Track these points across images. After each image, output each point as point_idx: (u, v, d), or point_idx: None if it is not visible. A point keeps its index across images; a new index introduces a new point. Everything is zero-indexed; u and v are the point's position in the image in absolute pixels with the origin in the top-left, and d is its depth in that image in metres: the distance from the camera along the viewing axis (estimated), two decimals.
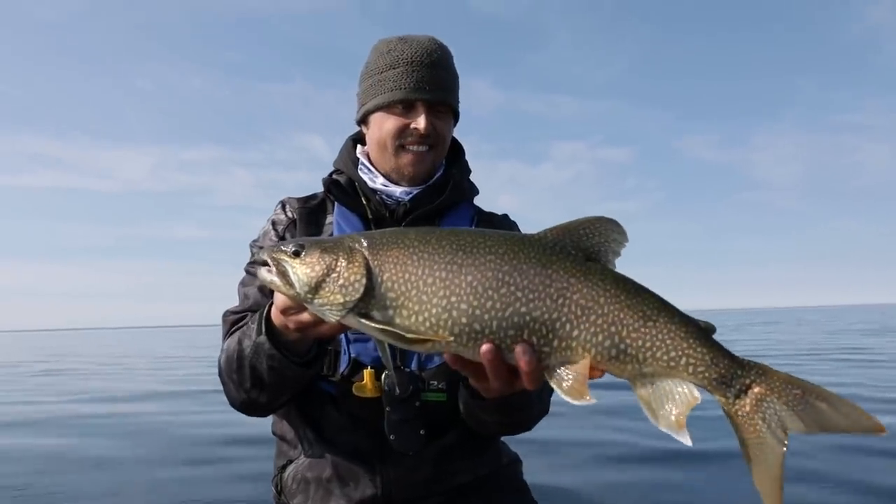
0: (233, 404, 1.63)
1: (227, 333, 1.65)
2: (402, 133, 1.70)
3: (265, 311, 1.41)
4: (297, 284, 1.12)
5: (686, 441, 1.01)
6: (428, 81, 1.69)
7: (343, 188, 1.78)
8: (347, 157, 1.83)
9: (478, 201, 1.92)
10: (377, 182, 1.75)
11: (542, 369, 1.07)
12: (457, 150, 1.91)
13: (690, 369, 1.04)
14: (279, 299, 1.26)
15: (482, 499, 1.73)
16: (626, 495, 4.15)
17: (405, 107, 1.70)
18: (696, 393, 1.04)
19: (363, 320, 1.08)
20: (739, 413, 1.03)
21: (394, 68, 1.70)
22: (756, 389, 1.02)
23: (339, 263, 1.11)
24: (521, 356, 1.05)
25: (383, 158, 1.74)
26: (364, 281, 1.09)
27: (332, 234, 1.73)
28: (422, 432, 1.60)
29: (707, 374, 1.04)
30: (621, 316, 1.05)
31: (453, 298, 1.06)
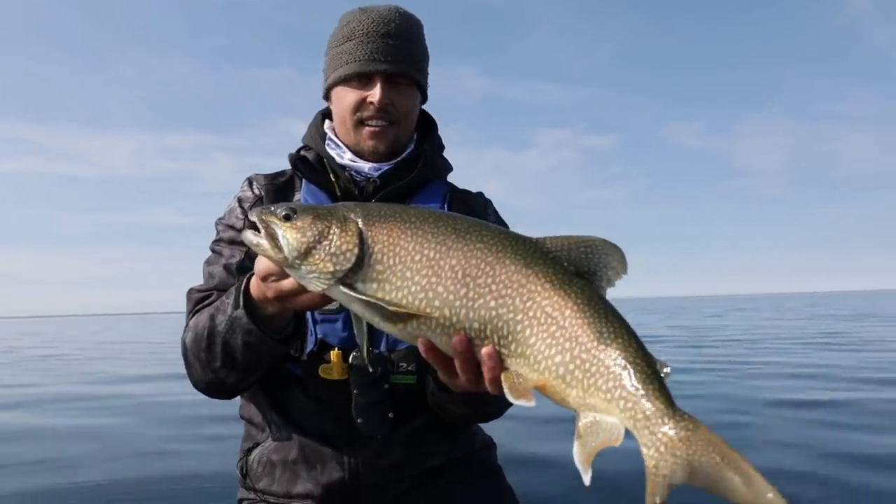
0: (196, 385, 1.57)
1: (193, 311, 1.60)
2: (359, 107, 1.64)
3: (243, 285, 1.36)
4: (285, 248, 1.09)
5: (586, 480, 0.92)
6: (384, 52, 1.63)
7: (311, 164, 1.72)
8: (316, 133, 1.78)
9: (453, 179, 1.87)
10: (345, 158, 1.70)
11: (503, 371, 1.02)
12: (429, 125, 1.86)
13: (621, 404, 0.93)
14: (262, 265, 1.20)
15: (454, 482, 1.69)
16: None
17: (361, 80, 1.64)
18: (621, 434, 0.94)
19: (348, 291, 1.06)
20: (656, 470, 0.90)
21: (350, 40, 1.66)
22: (680, 447, 0.89)
23: (332, 231, 1.08)
24: (485, 360, 1.01)
25: (346, 134, 1.70)
26: (356, 251, 1.06)
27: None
28: (390, 416, 1.56)
29: (633, 412, 0.92)
30: (578, 333, 0.98)
31: (433, 279, 1.04)
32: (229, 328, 1.39)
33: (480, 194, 1.88)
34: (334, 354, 1.55)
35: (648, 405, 0.92)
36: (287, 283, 1.18)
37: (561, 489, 3.76)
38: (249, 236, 1.13)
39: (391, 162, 1.70)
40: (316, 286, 1.09)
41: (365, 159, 1.68)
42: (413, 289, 1.04)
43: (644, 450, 0.91)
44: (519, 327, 1.01)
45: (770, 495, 0.83)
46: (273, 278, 1.19)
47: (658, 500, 0.89)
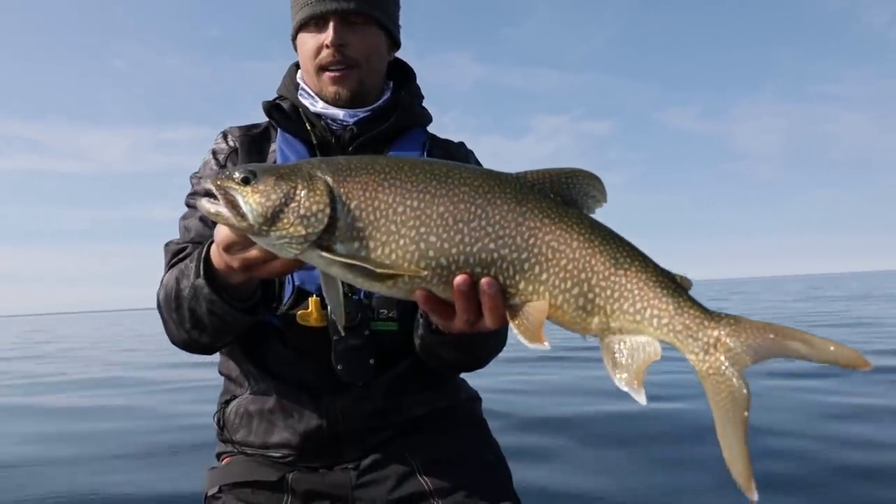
0: (173, 342, 1.53)
1: (168, 265, 1.55)
2: (317, 52, 1.60)
3: (203, 251, 1.29)
4: (249, 215, 1.00)
5: (641, 400, 0.94)
6: None
7: (285, 113, 1.67)
8: (290, 83, 1.73)
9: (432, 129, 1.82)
10: (318, 106, 1.65)
11: (506, 308, 1.01)
12: (407, 74, 1.81)
13: (655, 322, 0.96)
14: (222, 235, 1.12)
15: (437, 432, 1.65)
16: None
17: (318, 23, 1.59)
18: (658, 349, 0.96)
19: (325, 254, 0.99)
20: (712, 371, 0.93)
21: None
22: (729, 340, 0.92)
23: (298, 191, 1.00)
24: (485, 290, 0.99)
25: (311, 82, 1.65)
26: (328, 210, 0.99)
27: (275, 162, 1.63)
28: (371, 362, 1.52)
29: (672, 326, 0.95)
30: (592, 262, 0.98)
31: (423, 229, 0.99)
32: (193, 296, 1.33)
33: (462, 144, 1.83)
34: (312, 301, 1.50)
35: (685, 316, 0.95)
36: (254, 252, 1.10)
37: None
38: (206, 205, 1.04)
39: (367, 108, 1.66)
40: (288, 252, 1.02)
41: (336, 107, 1.64)
42: (402, 242, 0.99)
43: (692, 357, 0.94)
44: (526, 265, 0.99)
45: (832, 348, 0.88)
46: (237, 248, 1.11)
47: (736, 388, 0.91)
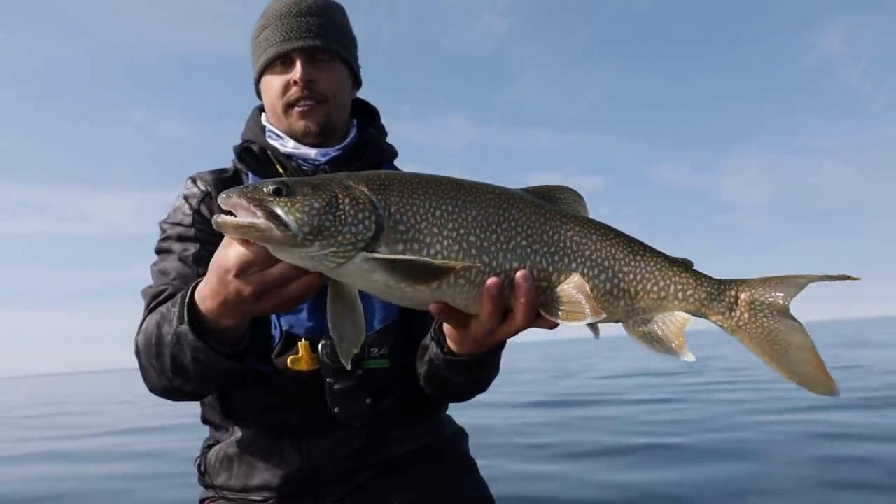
0: (153, 389, 1.45)
1: (147, 308, 1.49)
2: (285, 90, 1.60)
3: (187, 296, 1.21)
4: (293, 225, 0.96)
5: (689, 358, 1.05)
6: (299, 30, 1.59)
7: (256, 156, 1.66)
8: (255, 126, 1.71)
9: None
10: (288, 146, 1.63)
11: (538, 305, 1.06)
12: (370, 112, 1.81)
13: (680, 295, 1.09)
14: (238, 256, 1.03)
15: (421, 470, 1.61)
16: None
17: (284, 63, 1.60)
18: (686, 315, 1.09)
19: (375, 255, 0.98)
20: (741, 322, 1.08)
21: (266, 27, 1.63)
22: (744, 295, 1.08)
23: (341, 200, 0.99)
24: (521, 283, 1.02)
25: (278, 122, 1.65)
26: (373, 217, 0.99)
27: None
28: (368, 401, 1.49)
29: (696, 296, 1.09)
30: (612, 251, 1.09)
31: (462, 231, 1.03)
32: (175, 342, 1.25)
33: None
34: (302, 346, 1.48)
35: (706, 285, 1.10)
36: (276, 270, 1.03)
37: None
38: (232, 220, 0.97)
39: (338, 147, 1.65)
40: (329, 263, 0.98)
41: (305, 145, 1.63)
42: (446, 243, 1.02)
43: (719, 317, 1.09)
44: (556, 258, 1.07)
45: (833, 277, 1.04)
46: (256, 269, 1.03)
47: (787, 323, 1.06)
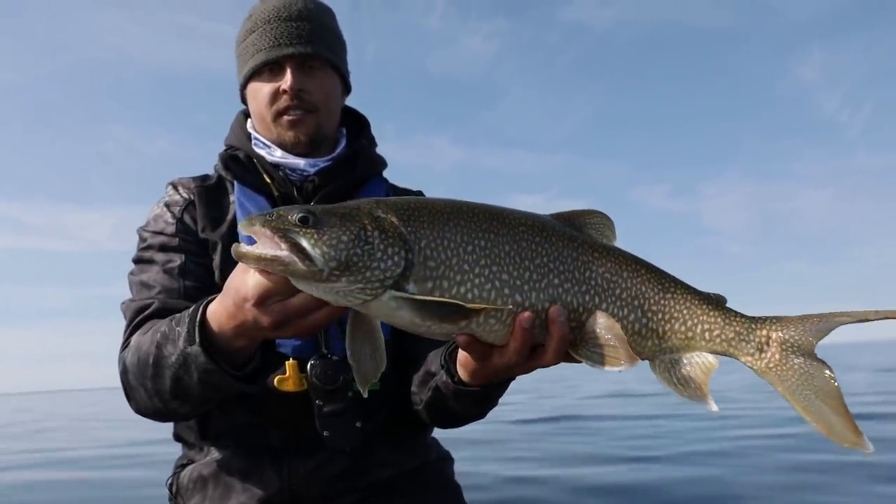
0: (140, 412, 1.38)
1: (133, 324, 1.41)
2: (274, 98, 1.53)
3: (198, 316, 1.15)
4: (319, 260, 0.90)
5: (712, 407, 1.00)
6: (289, 35, 1.51)
7: (243, 164, 1.57)
8: (241, 132, 1.63)
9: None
10: (276, 155, 1.56)
11: (568, 343, 1.02)
12: (362, 124, 1.74)
13: (707, 335, 1.04)
14: (257, 286, 0.97)
15: (404, 496, 1.55)
16: None
17: (272, 70, 1.53)
18: (713, 359, 1.04)
19: (403, 294, 0.93)
20: (771, 363, 1.02)
21: (253, 32, 1.55)
22: (775, 335, 1.02)
23: (370, 233, 0.93)
24: (555, 318, 0.99)
25: (266, 130, 1.57)
26: (404, 252, 0.94)
27: (235, 216, 1.54)
28: (358, 425, 1.43)
29: (723, 335, 1.04)
30: (643, 289, 1.05)
31: (495, 268, 0.99)
32: (181, 364, 1.19)
33: (420, 193, 1.77)
34: (289, 365, 1.42)
35: (735, 324, 1.04)
36: (298, 301, 0.98)
37: None
38: (256, 253, 0.91)
39: (327, 158, 1.59)
40: (355, 299, 0.93)
41: (294, 154, 1.57)
42: (477, 281, 0.97)
43: (748, 358, 1.03)
44: (587, 297, 1.03)
45: (866, 314, 0.99)
46: (276, 299, 0.98)
47: (819, 369, 1.00)
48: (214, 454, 1.52)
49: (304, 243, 0.91)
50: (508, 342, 1.01)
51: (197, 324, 1.14)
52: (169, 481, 1.61)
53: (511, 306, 0.99)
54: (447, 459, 1.74)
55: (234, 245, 0.94)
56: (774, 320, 1.03)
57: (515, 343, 1.00)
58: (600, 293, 1.04)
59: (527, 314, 0.98)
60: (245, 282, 1.00)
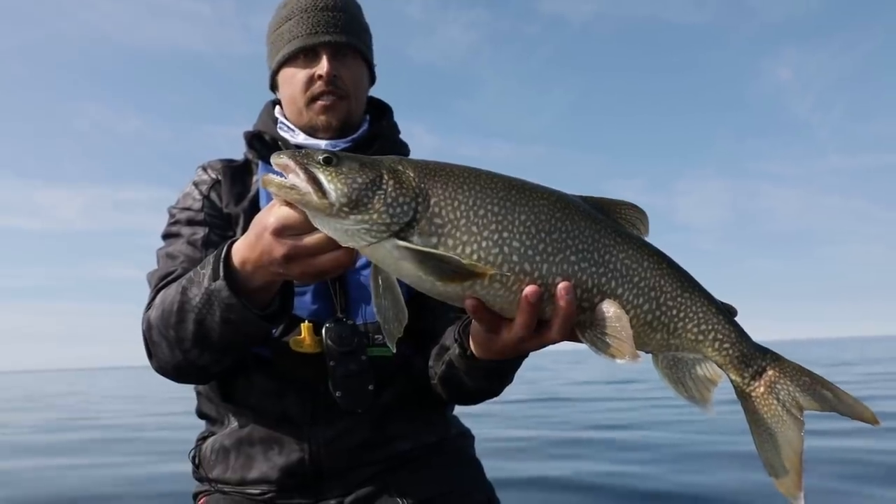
0: (162, 368, 1.42)
1: (157, 288, 1.46)
2: (309, 84, 1.59)
3: (223, 252, 1.21)
4: (332, 194, 0.96)
5: (710, 412, 1.02)
6: (326, 24, 1.59)
7: (266, 144, 1.66)
8: (267, 118, 1.72)
9: None
10: (298, 138, 1.64)
11: (575, 323, 1.03)
12: (383, 110, 1.80)
13: (717, 345, 1.05)
14: (280, 214, 1.04)
15: (425, 469, 1.57)
16: None
17: (306, 55, 1.60)
18: (718, 370, 1.05)
19: (405, 243, 0.96)
20: (754, 393, 1.05)
21: (289, 20, 1.62)
22: (770, 372, 1.05)
23: (385, 180, 0.99)
24: (562, 296, 0.98)
25: (297, 115, 1.64)
26: (413, 203, 0.98)
27: (257, 195, 1.63)
28: (370, 388, 1.46)
29: (731, 352, 1.05)
30: (661, 282, 1.04)
31: (505, 234, 0.99)
32: (205, 303, 1.23)
33: None
34: (304, 327, 1.45)
35: (744, 345, 1.06)
36: (311, 239, 1.03)
37: None
38: (278, 179, 0.99)
39: (347, 139, 1.65)
40: (361, 240, 0.98)
41: (318, 138, 1.63)
42: (484, 243, 0.98)
43: (739, 379, 1.06)
44: (604, 279, 1.02)
45: (858, 406, 1.02)
46: (293, 231, 1.04)
47: (792, 416, 1.03)
48: (235, 424, 1.55)
49: (322, 177, 0.98)
50: (516, 315, 1.02)
51: (221, 260, 1.20)
52: (192, 453, 1.64)
53: (509, 273, 0.99)
54: (468, 436, 1.76)
55: (263, 174, 1.06)
56: (774, 357, 1.06)
57: (521, 316, 1.01)
58: (617, 277, 1.03)
59: (533, 288, 0.98)
60: (269, 212, 1.07)
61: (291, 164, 0.99)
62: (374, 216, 0.97)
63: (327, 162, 0.99)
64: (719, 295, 1.09)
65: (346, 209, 0.97)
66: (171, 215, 1.65)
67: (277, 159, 1.02)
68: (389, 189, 0.98)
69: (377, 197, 0.97)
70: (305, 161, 0.99)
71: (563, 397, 11.99)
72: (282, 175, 1.01)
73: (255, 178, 1.65)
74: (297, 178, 0.98)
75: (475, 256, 0.98)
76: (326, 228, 1.00)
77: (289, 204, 1.03)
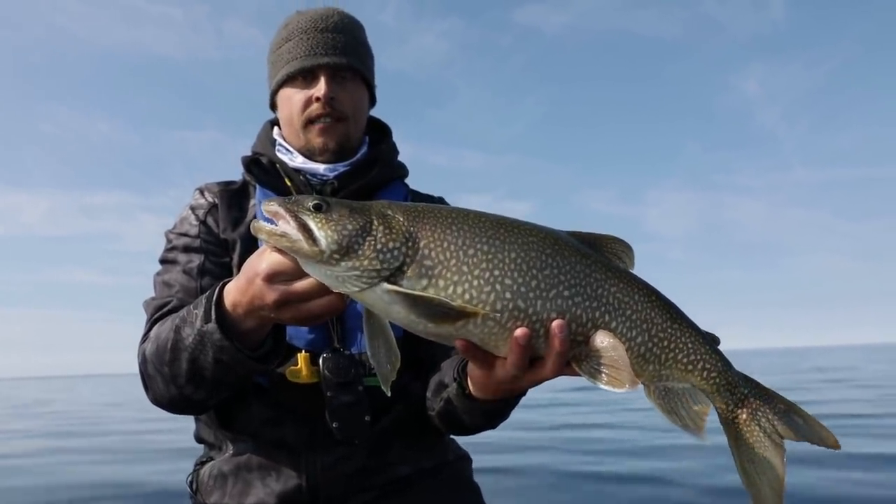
0: (157, 401, 1.42)
1: (153, 320, 1.46)
2: (306, 106, 1.58)
3: (214, 295, 1.21)
4: (322, 241, 0.98)
5: (703, 439, 1.05)
6: (325, 46, 1.58)
7: (264, 168, 1.64)
8: (266, 139, 1.70)
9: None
10: (297, 161, 1.62)
11: (570, 357, 1.04)
12: (383, 130, 1.79)
13: (704, 374, 1.08)
14: (271, 261, 1.05)
15: (425, 496, 1.56)
16: None
17: (305, 77, 1.58)
18: (710, 404, 1.09)
19: (395, 288, 0.97)
20: (737, 420, 1.08)
21: (289, 40, 1.61)
22: (752, 400, 1.08)
23: (375, 226, 1.00)
24: (556, 334, 0.99)
25: (294, 136, 1.62)
26: (403, 248, 0.99)
27: (255, 218, 1.58)
28: (367, 419, 1.45)
29: (717, 381, 1.08)
30: (652, 314, 1.06)
31: (496, 272, 1.00)
32: (198, 343, 1.24)
33: (442, 199, 1.81)
34: (301, 357, 1.45)
35: (730, 374, 1.09)
36: (302, 285, 1.04)
37: None
38: (269, 227, 1.00)
39: (346, 162, 1.63)
40: (351, 286, 0.99)
41: (316, 160, 1.62)
42: (476, 283, 0.99)
43: (723, 406, 1.09)
44: (597, 313, 1.03)
45: (823, 432, 1.06)
46: (284, 278, 1.05)
47: (774, 443, 1.07)
48: (233, 451, 1.54)
49: (312, 225, 0.99)
50: (509, 352, 1.02)
51: (213, 302, 1.20)
52: (189, 478, 1.63)
53: (501, 311, 0.99)
54: (465, 459, 1.75)
55: (253, 220, 1.05)
56: (756, 385, 1.10)
57: (513, 356, 1.01)
58: (611, 311, 1.04)
59: (523, 330, 0.99)
60: (260, 258, 1.08)
61: (281, 211, 1.01)
62: (365, 262, 0.98)
63: (317, 209, 1.01)
64: (689, 303, 1.11)
65: (336, 256, 0.98)
66: (168, 240, 1.64)
67: (268, 206, 1.03)
68: (379, 235, 0.99)
69: (367, 243, 0.98)
70: (295, 208, 1.01)
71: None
72: (272, 222, 1.02)
73: (252, 203, 1.64)
74: (288, 226, 1.00)
75: (467, 296, 0.98)
76: (317, 274, 1.01)
77: (279, 250, 1.03)
